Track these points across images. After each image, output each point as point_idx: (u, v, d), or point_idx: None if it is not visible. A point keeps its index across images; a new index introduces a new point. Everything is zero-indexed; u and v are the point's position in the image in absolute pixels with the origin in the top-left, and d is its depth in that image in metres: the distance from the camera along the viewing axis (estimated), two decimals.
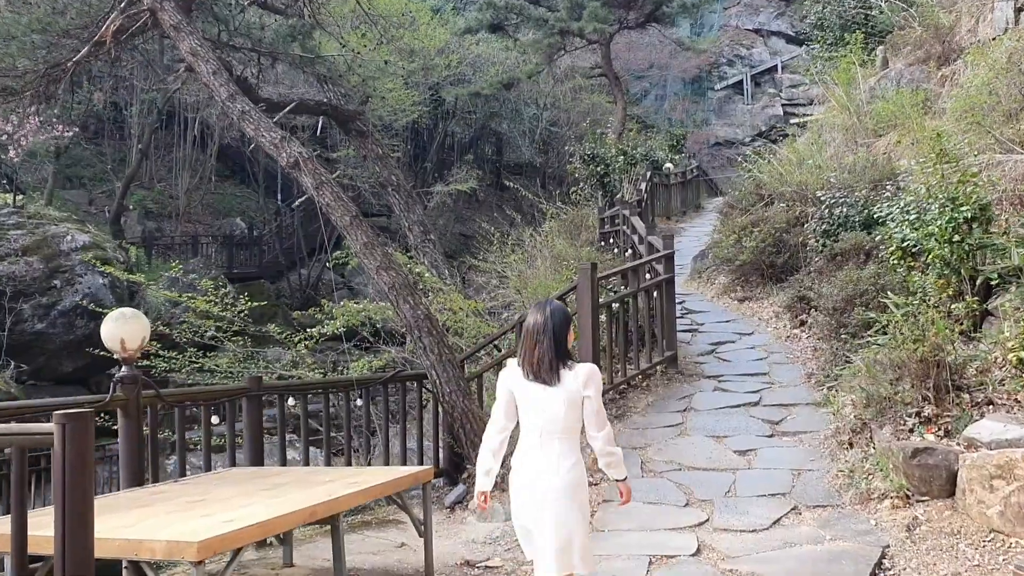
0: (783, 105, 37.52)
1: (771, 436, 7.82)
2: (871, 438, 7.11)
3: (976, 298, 7.86)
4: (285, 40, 12.02)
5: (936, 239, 8.13)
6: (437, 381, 7.99)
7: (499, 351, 8.79)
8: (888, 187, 11.31)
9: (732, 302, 12.35)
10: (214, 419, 6.57)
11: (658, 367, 9.19)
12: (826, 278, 10.35)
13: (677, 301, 12.36)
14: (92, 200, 25.89)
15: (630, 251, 12.45)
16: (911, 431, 6.77)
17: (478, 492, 4.10)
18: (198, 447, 6.64)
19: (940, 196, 8.14)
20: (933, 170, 8.59)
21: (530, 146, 27.91)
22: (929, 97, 13.34)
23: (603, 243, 14.98)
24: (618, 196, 16.23)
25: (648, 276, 9.81)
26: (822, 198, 11.61)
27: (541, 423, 3.84)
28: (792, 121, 21.86)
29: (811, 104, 28.74)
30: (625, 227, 13.47)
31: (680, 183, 20.45)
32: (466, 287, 16.99)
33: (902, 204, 8.79)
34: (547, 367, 3.82)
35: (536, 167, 28.42)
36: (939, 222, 7.94)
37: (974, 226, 7.97)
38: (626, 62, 32.94)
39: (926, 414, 6.77)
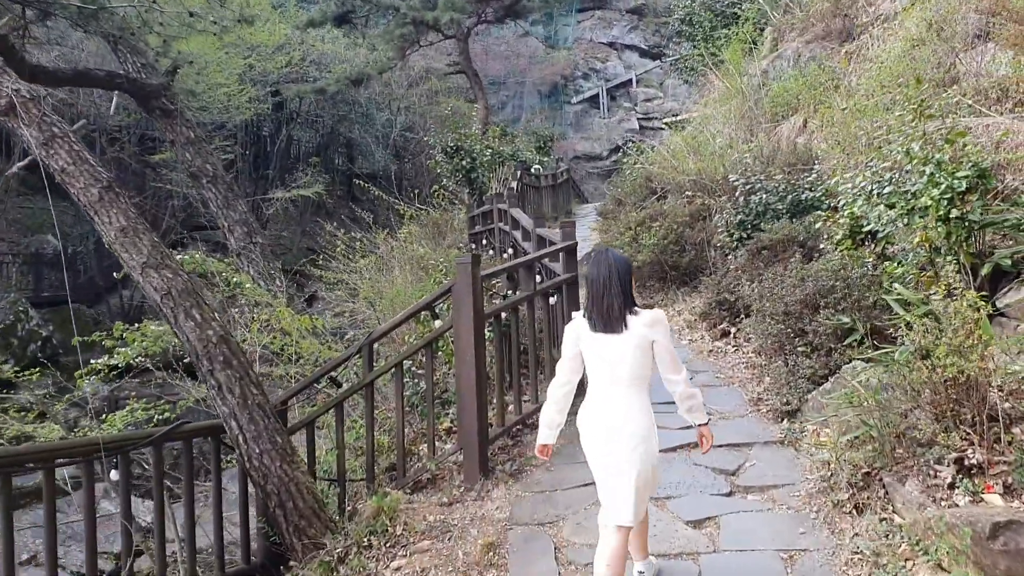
0: (639, 119, 36.33)
1: (731, 494, 5.33)
2: (886, 497, 4.74)
3: (982, 293, 5.59)
4: None
5: (922, 216, 5.95)
6: (239, 437, 5.11)
7: (338, 386, 5.98)
8: (815, 169, 9.25)
9: None
10: None
11: None
12: (751, 276, 8.10)
13: None
14: None
15: (511, 250, 9.88)
16: (952, 487, 4.43)
17: (539, 445, 4.05)
18: None
19: (928, 160, 5.94)
20: (912, 131, 6.41)
21: (384, 153, 24.96)
22: (835, 75, 11.44)
23: (473, 245, 12.37)
24: (488, 195, 13.64)
25: (540, 278, 7.26)
26: (735, 183, 9.39)
27: (610, 372, 3.73)
28: (666, 120, 19.94)
29: (665, 117, 27.34)
30: (502, 223, 10.87)
31: (551, 186, 18.08)
32: (312, 305, 14.06)
33: (869, 174, 6.57)
34: (616, 314, 3.71)
35: (391, 176, 25.48)
36: (932, 192, 5.71)
37: (972, 198, 5.80)
38: (484, 70, 30.71)
39: (974, 460, 4.45)
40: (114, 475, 4.85)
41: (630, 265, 3.88)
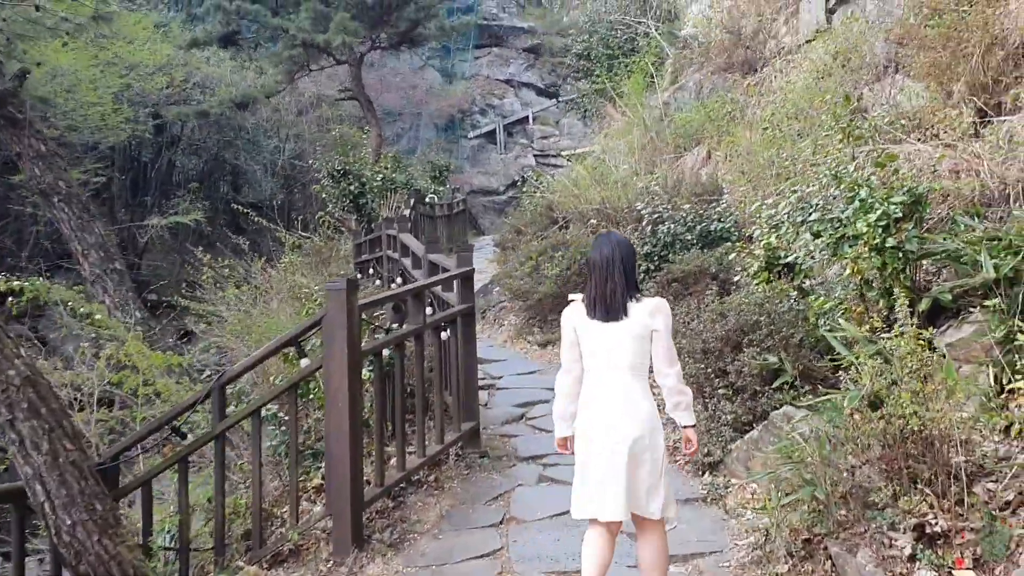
0: (535, 156, 36.09)
1: None
2: (834, 569, 3.99)
3: (923, 330, 4.96)
4: None
5: (851, 245, 5.34)
6: (46, 504, 3.99)
7: (183, 437, 4.89)
8: (725, 199, 8.70)
9: (531, 347, 9.08)
10: None
11: (452, 449, 5.65)
12: None
13: None
14: None
15: (399, 279, 8.93)
16: (912, 558, 3.73)
17: (557, 439, 3.77)
18: None
19: (860, 184, 5.35)
20: (837, 153, 5.84)
21: (271, 181, 23.59)
22: (739, 106, 11.03)
23: (360, 275, 11.36)
24: (376, 223, 12.64)
25: (432, 310, 6.37)
26: (641, 212, 8.75)
27: (608, 359, 3.53)
28: (565, 152, 19.43)
29: (560, 156, 27.07)
30: (390, 251, 9.90)
31: (446, 216, 17.16)
32: (183, 341, 12.73)
33: (793, 199, 5.95)
34: (618, 300, 3.54)
35: (279, 205, 24.13)
36: (869, 218, 5.10)
37: (907, 226, 5.24)
38: (379, 101, 29.74)
39: (937, 528, 3.74)
40: None
41: (634, 249, 3.74)
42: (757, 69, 11.61)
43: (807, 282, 6.52)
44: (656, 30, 16.27)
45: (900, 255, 5.16)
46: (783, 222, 5.85)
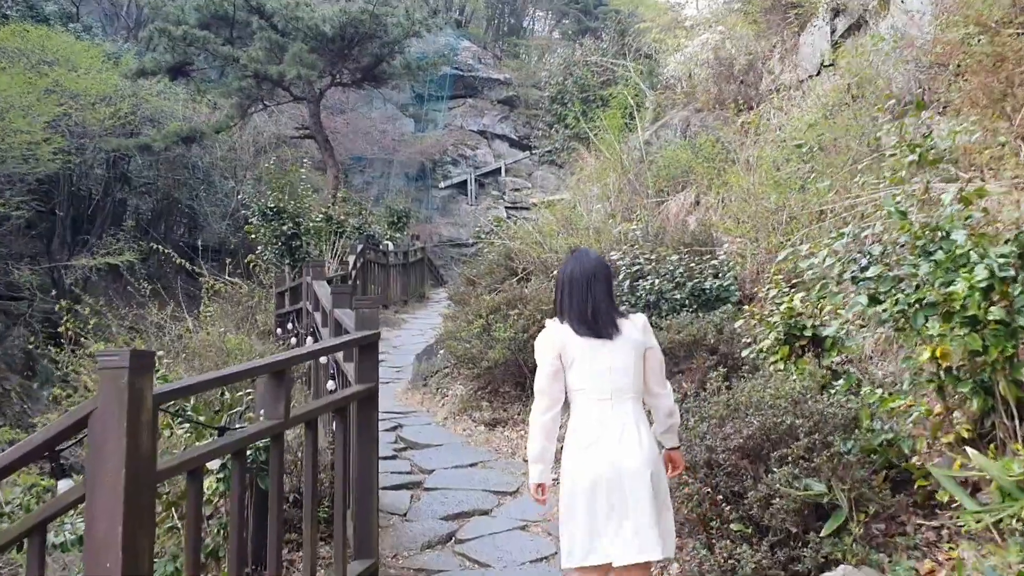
0: (507, 207, 34.71)
1: None
2: None
3: None
4: None
5: (928, 316, 3.53)
6: None
7: None
8: (724, 249, 6.91)
9: (477, 427, 7.07)
10: None
11: None
12: None
13: (390, 426, 7.01)
14: None
15: (310, 339, 7.01)
16: None
17: (534, 485, 3.05)
18: None
19: (937, 229, 3.55)
20: (903, 187, 4.02)
21: (227, 224, 21.61)
22: (733, 146, 9.31)
23: (280, 329, 9.40)
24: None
25: (334, 385, 4.44)
26: (619, 263, 6.92)
27: (609, 382, 2.97)
28: (534, 200, 17.70)
29: (532, 207, 25.52)
30: (308, 302, 7.96)
31: (401, 265, 15.29)
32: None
33: (839, 246, 4.10)
34: (605, 315, 3.04)
35: (233, 249, 22.17)
36: (974, 276, 3.28)
37: (1012, 290, 3.42)
38: (347, 146, 28.05)
39: None
40: None
41: (609, 268, 3.28)
42: (752, 107, 9.93)
43: (835, 359, 4.72)
44: (635, 72, 14.67)
45: (1011, 334, 3.33)
46: (832, 278, 3.99)
